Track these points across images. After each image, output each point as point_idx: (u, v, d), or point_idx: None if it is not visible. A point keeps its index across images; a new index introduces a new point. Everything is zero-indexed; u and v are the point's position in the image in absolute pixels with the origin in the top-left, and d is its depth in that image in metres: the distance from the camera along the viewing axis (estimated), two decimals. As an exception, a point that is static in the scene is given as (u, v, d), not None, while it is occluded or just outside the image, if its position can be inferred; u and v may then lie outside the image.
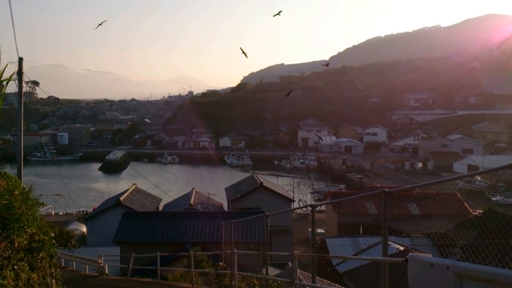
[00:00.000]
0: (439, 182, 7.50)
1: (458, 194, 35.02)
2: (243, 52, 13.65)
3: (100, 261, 18.63)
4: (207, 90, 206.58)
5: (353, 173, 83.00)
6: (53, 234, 5.43)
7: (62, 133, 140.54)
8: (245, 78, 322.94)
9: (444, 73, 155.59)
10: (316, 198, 61.49)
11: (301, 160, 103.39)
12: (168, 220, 26.06)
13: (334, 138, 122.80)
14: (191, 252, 14.97)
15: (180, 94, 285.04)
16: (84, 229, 37.01)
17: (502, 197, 55.39)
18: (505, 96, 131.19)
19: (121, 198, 32.92)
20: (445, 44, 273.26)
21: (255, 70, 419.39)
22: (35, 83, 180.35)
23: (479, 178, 63.01)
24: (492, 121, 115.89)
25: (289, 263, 21.30)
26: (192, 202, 33.64)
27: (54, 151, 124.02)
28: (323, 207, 37.44)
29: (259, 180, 38.86)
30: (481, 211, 30.07)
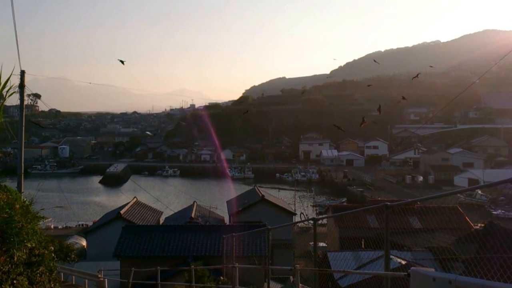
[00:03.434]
0: (440, 196, 7.46)
1: (459, 208, 34.96)
2: (122, 62, 13.77)
3: (99, 276, 18.53)
4: (209, 103, 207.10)
5: (354, 186, 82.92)
6: (52, 248, 5.39)
7: (63, 146, 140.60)
8: (246, 91, 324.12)
9: (443, 87, 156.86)
10: (317, 211, 61.27)
11: (303, 173, 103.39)
12: (169, 234, 25.91)
13: (335, 151, 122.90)
14: (192, 266, 14.89)
15: (182, 107, 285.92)
16: (84, 242, 36.82)
17: (503, 211, 55.23)
18: (504, 111, 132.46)
19: (122, 212, 32.79)
20: (444, 59, 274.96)
21: (256, 84, 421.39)
22: (37, 96, 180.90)
23: (480, 192, 63.04)
24: (492, 135, 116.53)
25: (291, 277, 21.15)
26: (193, 215, 33.51)
27: (55, 164, 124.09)
28: (324, 221, 37.30)
29: (261, 193, 38.77)
30: (482, 225, 29.96)
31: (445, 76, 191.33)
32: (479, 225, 32.46)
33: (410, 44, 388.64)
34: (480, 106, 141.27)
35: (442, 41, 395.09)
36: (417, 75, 17.82)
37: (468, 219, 32.74)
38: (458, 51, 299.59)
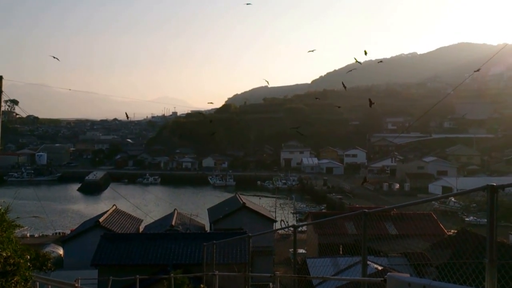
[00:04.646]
0: (415, 203, 7.66)
1: (433, 215, 35.71)
2: (55, 58, 14.64)
3: (76, 285, 18.28)
4: (191, 111, 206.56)
5: (333, 194, 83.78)
6: (28, 257, 5.35)
7: (41, 153, 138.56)
8: (229, 99, 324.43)
9: (420, 98, 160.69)
10: (297, 218, 61.51)
11: (284, 181, 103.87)
12: (149, 242, 25.72)
13: (315, 160, 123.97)
14: (172, 274, 14.84)
15: (164, 114, 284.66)
16: (60, 251, 36.27)
17: (474, 218, 56.39)
18: (477, 121, 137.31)
19: (100, 220, 32.40)
20: (420, 70, 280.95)
21: (239, 92, 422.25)
22: (14, 102, 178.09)
23: (453, 199, 64.50)
24: (465, 145, 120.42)
25: (271, 284, 21.20)
26: (173, 223, 33.32)
27: (32, 171, 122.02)
28: (304, 228, 37.49)
29: (242, 200, 38.76)
30: (455, 231, 30.56)
31: (421, 87, 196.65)
32: (452, 231, 33.10)
33: (388, 56, 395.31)
34: (454, 117, 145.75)
35: (418, 53, 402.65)
36: (372, 103, 18.34)
37: (441, 226, 33.40)
38: (434, 63, 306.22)
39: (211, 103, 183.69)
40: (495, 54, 14.74)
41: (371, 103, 18.10)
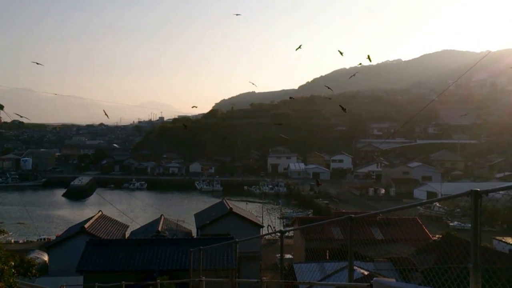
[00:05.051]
0: (401, 208, 7.73)
1: (418, 220, 35.94)
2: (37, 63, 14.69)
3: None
4: (178, 116, 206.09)
5: (320, 199, 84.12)
6: (13, 263, 5.30)
7: (26, 158, 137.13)
8: (216, 105, 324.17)
9: (405, 104, 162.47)
10: (284, 223, 61.55)
11: (271, 186, 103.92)
12: (135, 248, 25.53)
13: (302, 165, 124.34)
14: (158, 280, 14.75)
15: (151, 119, 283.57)
16: (45, 257, 35.82)
17: (459, 223, 56.91)
18: (460, 127, 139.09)
19: (86, 225, 32.08)
20: (405, 77, 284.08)
21: (226, 97, 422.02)
22: (0, 106, 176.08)
23: (437, 204, 65.13)
24: (449, 150, 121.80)
25: (257, 290, 21.12)
26: (160, 228, 33.11)
27: (17, 177, 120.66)
28: (291, 233, 37.53)
29: (229, 206, 38.68)
30: (440, 236, 30.80)
31: (406, 93, 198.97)
32: (437, 236, 33.35)
33: (374, 62, 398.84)
34: (439, 122, 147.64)
35: (403, 59, 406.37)
36: (344, 109, 18.69)
37: (426, 231, 33.64)
38: (419, 69, 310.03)
39: (195, 107, 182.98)
40: (478, 61, 14.97)
41: (343, 109, 18.40)
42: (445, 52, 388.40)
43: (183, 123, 72.05)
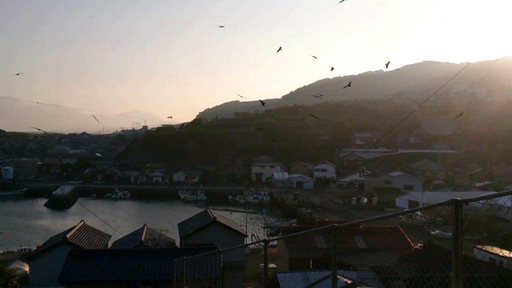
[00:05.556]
0: (383, 217, 7.83)
1: (400, 229, 36.19)
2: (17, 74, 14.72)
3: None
4: (162, 125, 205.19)
5: (304, 208, 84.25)
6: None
7: (7, 167, 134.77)
8: (200, 114, 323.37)
9: (386, 114, 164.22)
10: (268, 232, 61.49)
11: (255, 195, 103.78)
12: (118, 258, 25.24)
13: (286, 174, 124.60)
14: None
15: (134, 128, 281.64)
16: (26, 268, 35.23)
17: (440, 231, 57.34)
18: (441, 137, 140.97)
19: (68, 236, 31.66)
20: (387, 87, 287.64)
21: (210, 106, 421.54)
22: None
23: (419, 213, 65.62)
24: (430, 160, 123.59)
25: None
26: (143, 238, 32.83)
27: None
28: (275, 242, 37.54)
29: (213, 215, 38.55)
30: (422, 244, 31.07)
31: (388, 103, 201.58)
32: (419, 245, 33.63)
33: (356, 73, 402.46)
34: (420, 132, 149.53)
35: (385, 70, 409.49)
36: (315, 117, 19.33)
37: (409, 239, 33.89)
38: (400, 80, 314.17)
39: (170, 117, 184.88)
40: (458, 72, 15.28)
41: (314, 117, 18.88)
42: (426, 63, 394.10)
43: (177, 126, 73.13)
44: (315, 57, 18.40)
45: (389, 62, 16.17)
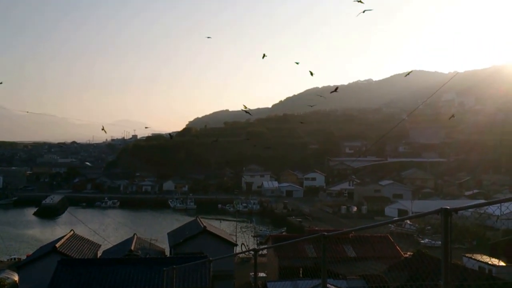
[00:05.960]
0: (373, 226, 7.89)
1: (390, 237, 36.24)
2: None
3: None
4: (152, 134, 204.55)
5: (293, 217, 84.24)
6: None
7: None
8: (190, 123, 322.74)
9: (376, 123, 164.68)
10: (258, 241, 61.34)
11: (244, 204, 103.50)
12: (107, 267, 25.11)
13: (276, 183, 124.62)
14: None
15: (124, 137, 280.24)
16: (16, 277, 34.88)
17: (429, 240, 57.45)
18: (430, 145, 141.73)
19: (57, 245, 31.45)
20: (376, 96, 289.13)
21: (200, 116, 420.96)
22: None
23: (408, 221, 65.87)
24: (419, 168, 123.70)
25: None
26: (132, 248, 32.67)
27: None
28: (265, 251, 37.48)
29: (203, 224, 38.45)
30: (411, 253, 31.15)
31: (377, 112, 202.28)
32: (408, 253, 33.73)
33: (345, 82, 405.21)
34: (409, 141, 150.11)
35: (374, 79, 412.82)
36: (301, 123, 19.60)
37: (398, 248, 33.94)
38: (389, 89, 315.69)
39: (147, 127, 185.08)
40: (446, 82, 15.50)
41: (301, 122, 18.98)
42: (415, 72, 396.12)
43: (170, 134, 73.44)
44: (298, 63, 18.58)
45: (264, 55, 16.42)
